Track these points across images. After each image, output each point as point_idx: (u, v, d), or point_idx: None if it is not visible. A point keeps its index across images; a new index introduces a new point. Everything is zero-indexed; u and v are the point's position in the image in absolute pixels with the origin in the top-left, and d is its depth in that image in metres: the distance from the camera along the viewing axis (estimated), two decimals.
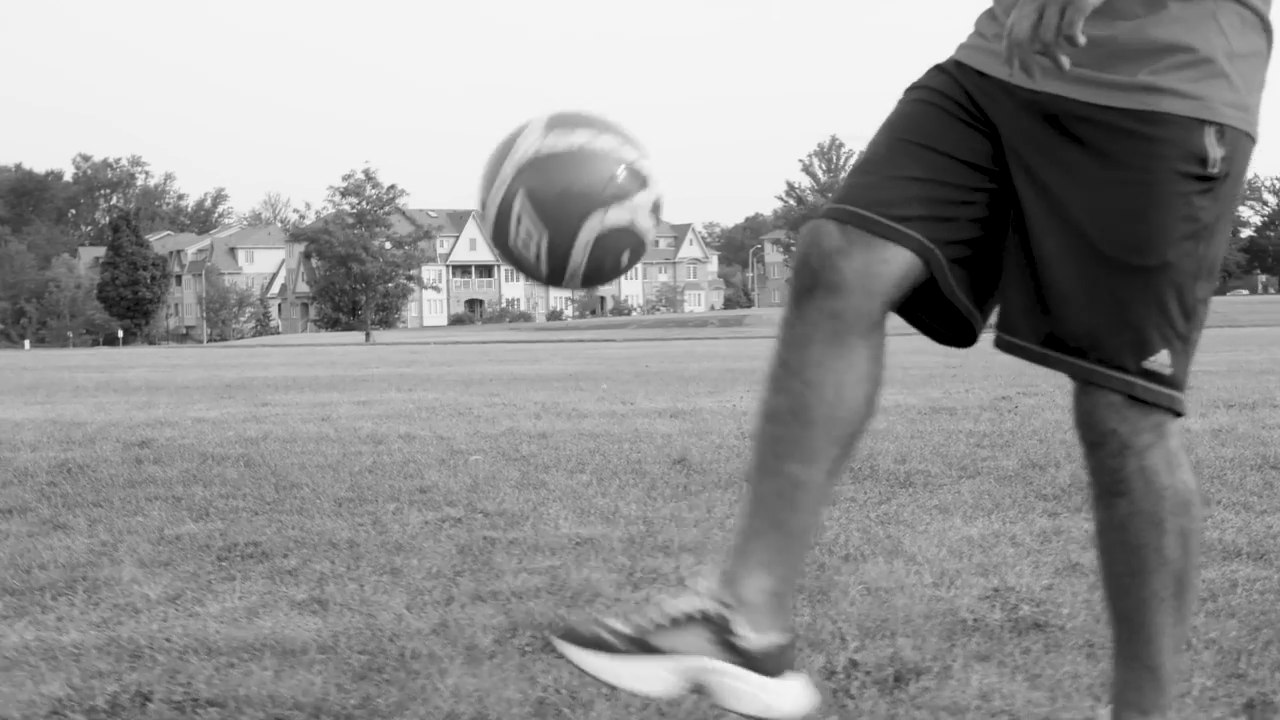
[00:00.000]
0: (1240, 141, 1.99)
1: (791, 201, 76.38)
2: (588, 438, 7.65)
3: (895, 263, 2.03)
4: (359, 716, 2.67)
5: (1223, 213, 2.02)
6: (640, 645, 2.04)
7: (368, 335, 61.17)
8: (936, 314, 2.16)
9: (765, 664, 2.03)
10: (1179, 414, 2.06)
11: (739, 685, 2.03)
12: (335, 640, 3.22)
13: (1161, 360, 2.02)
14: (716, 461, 6.40)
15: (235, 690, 2.82)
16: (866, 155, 2.13)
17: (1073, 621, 3.20)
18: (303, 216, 71.83)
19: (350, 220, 67.45)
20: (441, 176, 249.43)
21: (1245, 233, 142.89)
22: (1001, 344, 2.13)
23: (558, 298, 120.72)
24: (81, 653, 3.16)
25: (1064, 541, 4.16)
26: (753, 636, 2.03)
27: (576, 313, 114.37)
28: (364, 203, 68.05)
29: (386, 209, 68.85)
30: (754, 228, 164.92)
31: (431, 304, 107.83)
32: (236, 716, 2.68)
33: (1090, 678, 2.76)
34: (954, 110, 2.10)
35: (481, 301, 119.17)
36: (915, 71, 2.19)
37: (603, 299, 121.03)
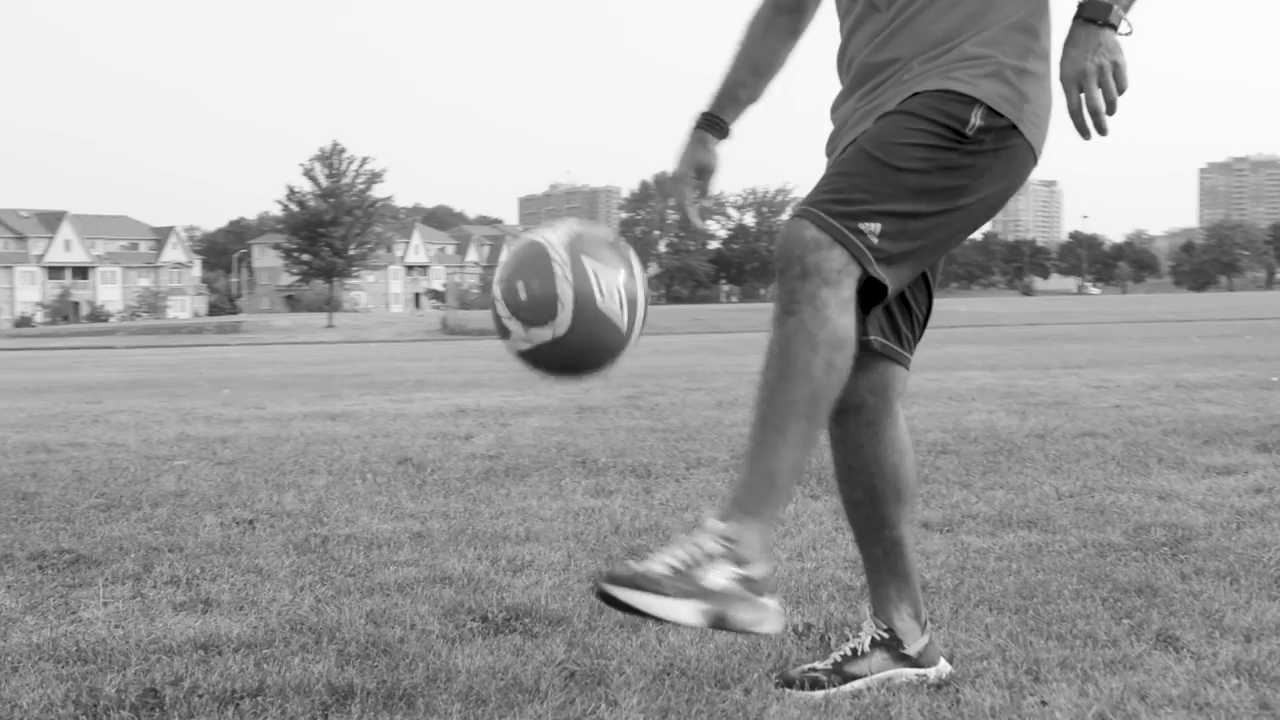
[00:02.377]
0: (1006, 132, 2.56)
1: (294, 206, 74.92)
2: (276, 441, 7.57)
3: (880, 370, 2.75)
4: (400, 695, 2.71)
5: (970, 177, 2.54)
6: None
7: None
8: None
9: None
10: (864, 270, 2.47)
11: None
12: (275, 635, 3.21)
13: (871, 228, 2.47)
14: (438, 459, 6.56)
15: (242, 682, 2.79)
16: None
17: (934, 573, 3.70)
18: None
19: None
20: None
21: (712, 245, 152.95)
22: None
23: (25, 303, 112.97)
24: (19, 660, 3.04)
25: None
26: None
27: (48, 319, 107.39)
28: None
29: None
30: (238, 232, 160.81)
31: None
32: (281, 703, 2.66)
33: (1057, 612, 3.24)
34: None
35: None
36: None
37: (76, 304, 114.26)
